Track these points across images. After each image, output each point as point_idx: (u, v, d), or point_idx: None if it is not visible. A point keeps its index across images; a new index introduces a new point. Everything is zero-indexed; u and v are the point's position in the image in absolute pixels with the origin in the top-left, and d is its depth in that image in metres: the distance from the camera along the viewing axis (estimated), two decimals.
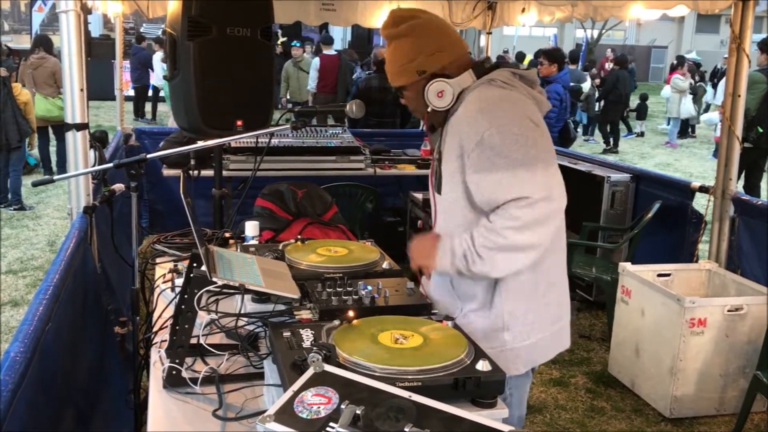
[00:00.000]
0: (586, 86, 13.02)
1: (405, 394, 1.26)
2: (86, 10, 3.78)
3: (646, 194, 4.81)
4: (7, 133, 7.29)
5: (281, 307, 1.84)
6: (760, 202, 3.97)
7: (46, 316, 1.97)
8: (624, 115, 14.09)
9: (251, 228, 2.50)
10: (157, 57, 13.32)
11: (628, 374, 3.87)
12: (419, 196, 5.32)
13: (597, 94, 13.41)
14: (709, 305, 3.48)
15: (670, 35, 33.07)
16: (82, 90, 2.86)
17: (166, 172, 4.87)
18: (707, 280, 3.97)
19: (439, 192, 1.97)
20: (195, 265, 1.69)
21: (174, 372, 1.64)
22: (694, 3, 4.43)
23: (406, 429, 1.14)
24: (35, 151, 8.93)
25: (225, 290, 1.96)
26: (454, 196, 1.91)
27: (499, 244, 1.79)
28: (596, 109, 13.58)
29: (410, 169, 5.34)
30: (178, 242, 2.63)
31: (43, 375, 1.87)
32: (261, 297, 1.90)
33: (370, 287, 1.86)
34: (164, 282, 2.25)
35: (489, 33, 6.53)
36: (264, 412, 1.21)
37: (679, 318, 3.44)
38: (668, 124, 16.39)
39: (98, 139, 5.37)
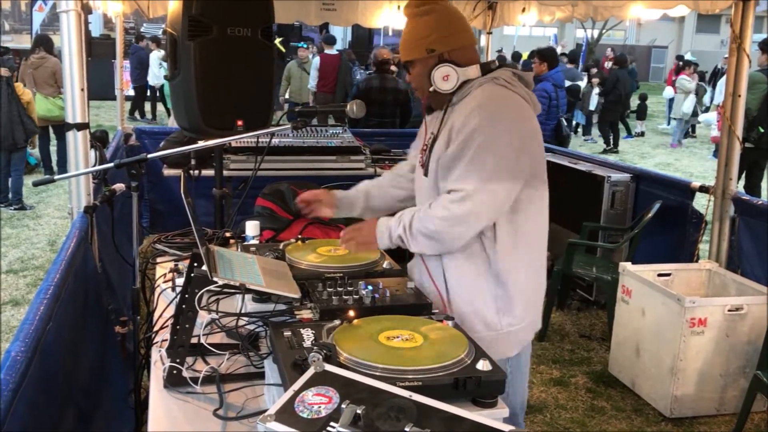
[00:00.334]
0: (581, 84, 12.99)
1: (405, 393, 1.26)
2: (87, 10, 3.77)
3: (646, 194, 4.81)
4: (13, 133, 7.30)
5: (282, 307, 1.84)
6: (760, 202, 3.97)
7: (46, 316, 1.97)
8: (624, 115, 14.09)
9: (252, 228, 2.50)
10: (154, 56, 13.32)
11: (628, 374, 3.88)
12: None
13: (595, 92, 13.38)
14: (710, 305, 3.48)
15: (670, 35, 33.05)
16: (82, 90, 2.86)
17: (167, 171, 4.87)
18: (707, 280, 3.97)
19: (426, 175, 2.07)
20: (196, 264, 1.70)
21: (175, 371, 1.64)
22: (695, 3, 4.43)
23: (406, 429, 1.14)
24: (36, 151, 8.93)
25: (226, 290, 1.96)
26: (435, 177, 2.03)
27: (429, 230, 1.95)
28: (591, 107, 13.55)
29: None
30: (179, 242, 2.63)
31: (43, 374, 1.87)
32: (261, 297, 1.90)
33: (370, 287, 1.86)
34: (165, 281, 2.25)
35: (489, 33, 6.53)
36: (264, 411, 1.21)
37: (679, 318, 3.45)
38: (668, 123, 16.41)
39: (99, 139, 5.36)
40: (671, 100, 16.18)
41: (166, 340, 1.78)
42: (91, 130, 3.24)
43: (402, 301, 1.85)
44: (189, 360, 1.69)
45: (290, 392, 1.26)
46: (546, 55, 7.06)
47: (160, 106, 14.29)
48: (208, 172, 3.89)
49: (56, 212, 7.36)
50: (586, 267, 4.61)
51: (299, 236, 2.44)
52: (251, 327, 1.83)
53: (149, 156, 2.20)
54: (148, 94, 14.43)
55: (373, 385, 1.29)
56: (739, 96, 3.94)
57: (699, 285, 3.98)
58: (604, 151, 12.54)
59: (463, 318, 1.99)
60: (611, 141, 12.96)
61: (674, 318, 3.48)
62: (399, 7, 5.88)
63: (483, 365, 1.47)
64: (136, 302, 2.36)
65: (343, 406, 1.19)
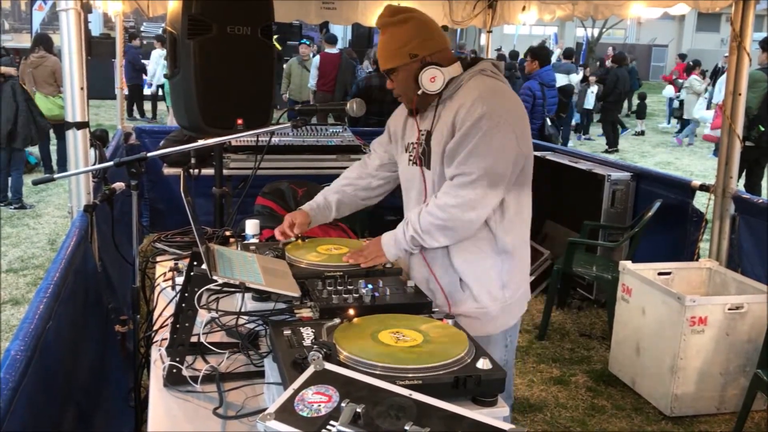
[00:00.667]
0: (575, 79, 12.94)
1: (405, 392, 1.26)
2: (86, 9, 3.77)
3: (646, 193, 4.81)
4: (30, 132, 7.37)
5: (282, 306, 1.84)
6: (760, 201, 3.97)
7: (46, 315, 1.97)
8: (621, 113, 14.10)
9: (252, 226, 2.50)
10: (156, 54, 13.30)
11: (628, 373, 3.88)
12: None
13: (590, 91, 13.36)
14: (710, 304, 3.48)
15: (670, 34, 33.05)
16: (82, 89, 2.86)
17: (167, 170, 4.87)
18: (708, 279, 3.97)
19: (429, 167, 2.15)
20: (195, 263, 1.69)
21: (174, 370, 1.64)
22: (695, 2, 4.43)
23: (406, 427, 1.14)
24: (36, 150, 8.93)
25: (225, 288, 1.96)
26: (440, 168, 2.12)
27: (442, 219, 2.04)
28: (587, 105, 13.54)
29: None
30: (179, 241, 2.63)
31: (43, 373, 1.87)
32: (261, 295, 1.90)
33: (370, 285, 1.87)
34: (165, 280, 2.25)
35: (489, 32, 6.53)
36: (264, 410, 1.21)
37: (679, 316, 3.45)
38: (669, 122, 16.40)
39: (99, 138, 5.35)
40: (672, 100, 16.18)
41: (166, 338, 1.78)
42: (91, 129, 3.23)
43: (402, 300, 1.85)
44: (189, 359, 1.69)
45: (290, 391, 1.26)
46: (537, 53, 7.11)
47: (161, 105, 14.28)
48: (208, 171, 3.89)
49: (56, 211, 7.36)
50: (587, 266, 4.61)
51: (299, 235, 2.44)
52: (251, 326, 1.83)
53: (149, 155, 2.20)
54: (150, 93, 14.42)
55: (373, 383, 1.29)
56: (740, 94, 3.94)
57: (699, 284, 3.98)
58: (606, 151, 12.54)
59: (474, 296, 2.15)
60: (612, 141, 12.95)
61: (674, 317, 3.48)
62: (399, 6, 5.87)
63: (483, 364, 1.47)
64: (136, 301, 2.36)
65: (343, 404, 1.19)
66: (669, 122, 16.42)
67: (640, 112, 15.26)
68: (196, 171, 4.25)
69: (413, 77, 2.09)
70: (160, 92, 13.90)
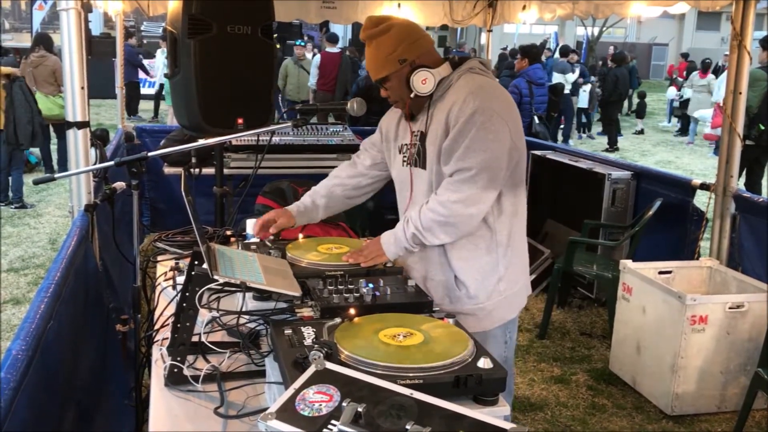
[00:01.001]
0: (571, 77, 12.91)
1: (406, 391, 1.26)
2: (87, 8, 3.77)
3: (647, 192, 4.81)
4: (33, 131, 7.40)
5: (282, 305, 1.84)
6: (761, 200, 3.97)
7: (47, 314, 1.97)
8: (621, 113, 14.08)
9: (252, 226, 2.50)
10: (161, 53, 13.30)
11: (629, 371, 3.88)
12: None
13: (583, 90, 13.33)
14: (710, 302, 3.48)
15: (670, 33, 33.00)
16: (82, 88, 2.86)
17: (167, 170, 4.87)
18: (708, 278, 3.97)
19: (424, 167, 2.17)
20: (196, 262, 1.69)
21: (175, 370, 1.64)
22: (695, 0, 4.43)
23: (407, 427, 1.14)
24: (36, 150, 8.93)
25: (226, 288, 1.96)
26: (437, 168, 2.13)
27: (444, 215, 2.05)
28: (581, 104, 13.51)
29: None
30: (180, 240, 2.63)
31: (44, 373, 1.87)
32: (262, 295, 1.90)
33: (371, 285, 1.86)
34: (165, 280, 2.24)
35: (489, 31, 6.52)
36: (265, 409, 1.21)
37: (680, 315, 3.45)
38: (669, 121, 16.39)
39: (99, 138, 5.35)
40: (672, 100, 16.16)
41: (166, 338, 1.78)
42: (92, 128, 3.23)
43: (403, 299, 1.85)
44: (190, 358, 1.69)
45: (291, 390, 1.26)
46: (527, 51, 7.17)
47: (143, 103, 14.32)
48: (209, 171, 3.89)
49: (57, 211, 7.36)
50: (587, 265, 4.61)
51: (300, 234, 2.44)
52: (252, 325, 1.83)
53: (150, 154, 2.20)
54: (153, 92, 14.44)
55: (374, 383, 1.29)
56: (740, 93, 3.94)
57: (700, 282, 3.98)
58: (606, 150, 12.53)
59: (469, 294, 2.16)
60: (614, 141, 12.94)
61: (675, 315, 3.48)
62: (399, 5, 5.88)
63: (484, 363, 1.47)
64: (137, 300, 2.36)
65: (344, 404, 1.19)
66: (669, 121, 16.40)
67: (640, 111, 15.25)
68: (197, 170, 4.25)
69: (406, 82, 2.12)
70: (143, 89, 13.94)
